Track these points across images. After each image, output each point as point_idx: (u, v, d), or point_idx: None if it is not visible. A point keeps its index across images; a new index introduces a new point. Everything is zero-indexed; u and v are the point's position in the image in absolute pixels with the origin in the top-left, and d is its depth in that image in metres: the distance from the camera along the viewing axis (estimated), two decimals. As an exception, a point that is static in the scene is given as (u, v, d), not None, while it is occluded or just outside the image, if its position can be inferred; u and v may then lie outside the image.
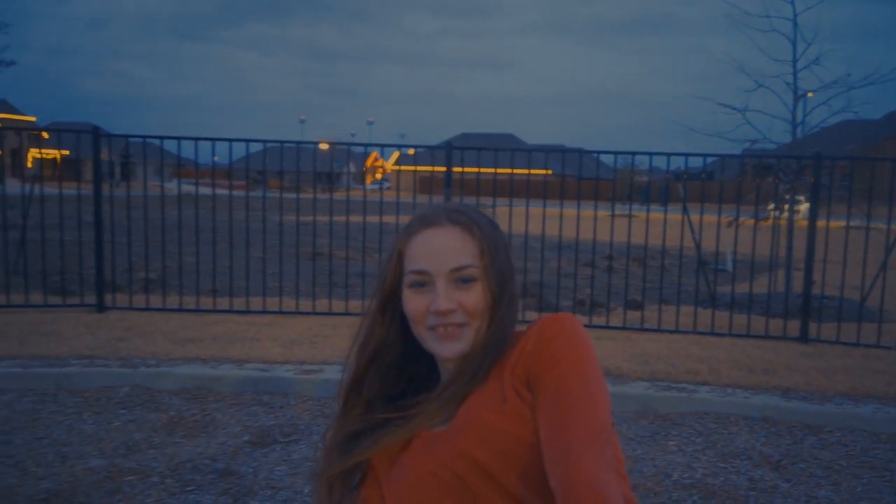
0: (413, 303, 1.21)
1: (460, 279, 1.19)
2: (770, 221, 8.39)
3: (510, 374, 1.14)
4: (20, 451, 3.97)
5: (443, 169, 7.29)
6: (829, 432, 4.67)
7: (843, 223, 7.45)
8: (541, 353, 1.12)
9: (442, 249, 1.20)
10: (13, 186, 8.48)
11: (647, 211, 7.47)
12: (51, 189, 7.97)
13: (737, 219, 7.59)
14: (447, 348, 1.20)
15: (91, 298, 7.19)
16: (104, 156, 7.37)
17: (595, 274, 8.11)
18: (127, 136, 8.02)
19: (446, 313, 1.18)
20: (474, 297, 1.19)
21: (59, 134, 7.54)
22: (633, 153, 8.57)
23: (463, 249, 1.20)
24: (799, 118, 9.05)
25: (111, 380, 5.10)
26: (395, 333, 1.29)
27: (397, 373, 1.31)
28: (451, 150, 7.27)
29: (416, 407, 1.22)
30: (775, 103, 11.22)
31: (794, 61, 9.05)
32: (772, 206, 8.59)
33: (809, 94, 9.36)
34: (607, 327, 7.13)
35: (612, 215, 6.97)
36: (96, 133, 7.08)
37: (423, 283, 1.20)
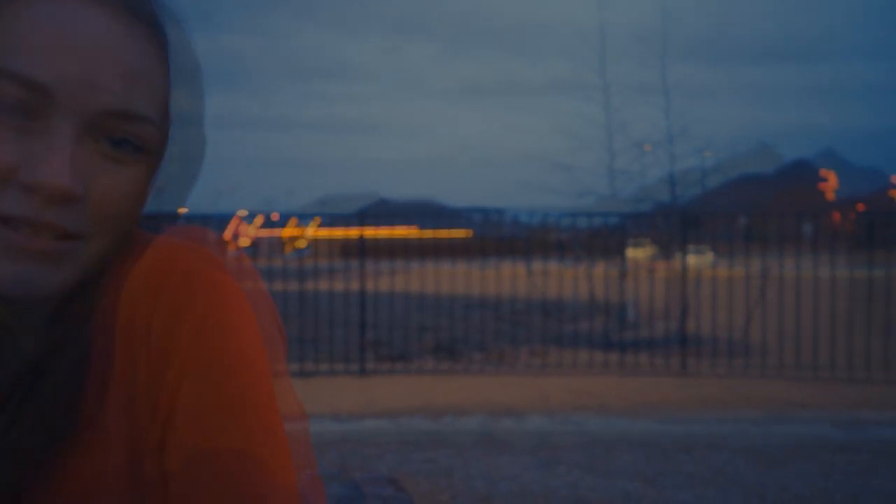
0: None
1: (115, 139, 0.58)
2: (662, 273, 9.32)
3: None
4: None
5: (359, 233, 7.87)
6: (697, 450, 5.35)
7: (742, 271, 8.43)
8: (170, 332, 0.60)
9: (94, 57, 0.56)
10: None
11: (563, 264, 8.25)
12: None
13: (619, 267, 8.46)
14: (27, 278, 0.56)
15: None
16: None
17: (504, 326, 8.78)
18: None
19: (61, 198, 0.55)
20: (127, 186, 0.59)
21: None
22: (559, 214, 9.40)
23: (139, 73, 0.59)
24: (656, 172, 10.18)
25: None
26: None
27: None
28: (362, 216, 7.88)
29: None
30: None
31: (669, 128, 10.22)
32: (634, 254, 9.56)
33: (647, 148, 10.59)
34: (513, 373, 7.76)
35: (529, 273, 7.69)
36: None
37: (26, 111, 0.55)
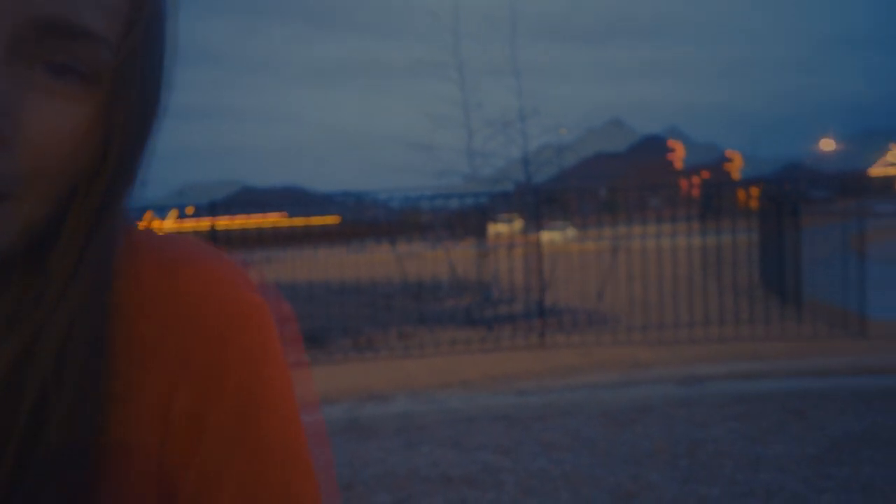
0: None
1: (55, 65, 0.43)
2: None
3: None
4: None
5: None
6: (553, 418, 5.60)
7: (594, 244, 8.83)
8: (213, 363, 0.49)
9: None
10: None
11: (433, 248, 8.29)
12: None
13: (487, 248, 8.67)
14: None
15: None
16: None
17: (372, 311, 8.75)
18: None
19: None
20: (71, 129, 0.44)
21: None
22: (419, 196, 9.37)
23: None
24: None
25: None
26: None
27: None
28: (213, 207, 7.57)
29: None
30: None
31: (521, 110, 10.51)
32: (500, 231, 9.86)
33: (562, 132, 10.95)
34: (377, 356, 7.77)
35: (397, 256, 7.68)
36: None
37: None
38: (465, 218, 10.09)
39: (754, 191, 11.97)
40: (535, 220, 9.11)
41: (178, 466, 0.48)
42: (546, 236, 11.02)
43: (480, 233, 9.53)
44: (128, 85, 0.45)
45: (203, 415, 0.48)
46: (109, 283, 0.47)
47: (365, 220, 9.71)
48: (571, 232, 10.66)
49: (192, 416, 0.48)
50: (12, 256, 0.44)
